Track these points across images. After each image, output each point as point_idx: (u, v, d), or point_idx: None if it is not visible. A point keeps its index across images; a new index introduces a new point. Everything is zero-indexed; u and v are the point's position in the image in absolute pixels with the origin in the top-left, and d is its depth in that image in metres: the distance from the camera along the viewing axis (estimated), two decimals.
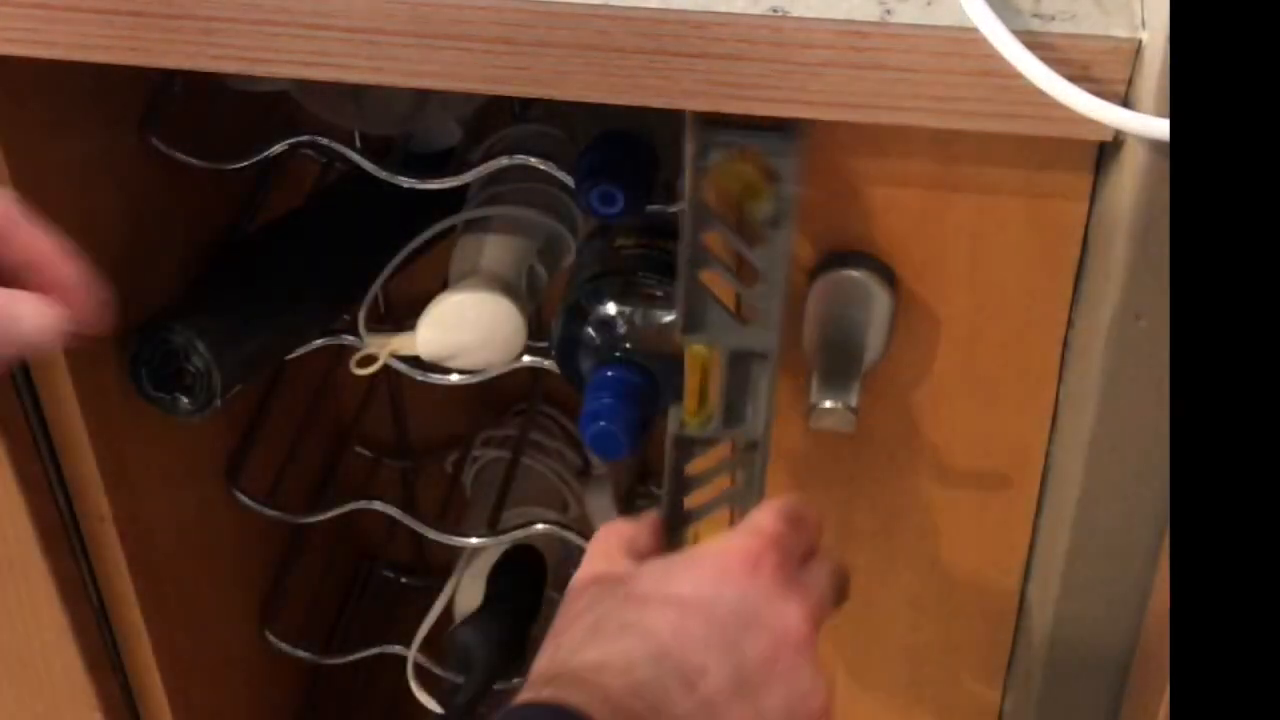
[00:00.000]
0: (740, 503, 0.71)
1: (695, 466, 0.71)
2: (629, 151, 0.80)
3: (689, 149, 0.63)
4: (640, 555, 0.63)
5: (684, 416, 0.69)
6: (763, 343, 0.66)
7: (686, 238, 0.65)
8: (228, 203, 0.98)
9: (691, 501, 0.71)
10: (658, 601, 0.58)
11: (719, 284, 0.67)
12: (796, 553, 0.61)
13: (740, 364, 0.67)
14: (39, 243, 0.61)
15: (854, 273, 0.69)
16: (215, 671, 1.06)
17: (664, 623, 0.57)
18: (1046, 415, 0.73)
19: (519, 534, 0.98)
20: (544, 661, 0.59)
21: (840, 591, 0.63)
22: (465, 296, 0.86)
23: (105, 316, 0.62)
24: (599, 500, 1.15)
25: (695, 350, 0.67)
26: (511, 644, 1.02)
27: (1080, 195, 0.66)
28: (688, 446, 0.70)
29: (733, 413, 0.68)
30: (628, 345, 0.83)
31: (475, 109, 0.96)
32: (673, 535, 0.70)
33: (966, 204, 0.67)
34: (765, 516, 0.61)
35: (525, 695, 0.55)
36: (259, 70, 0.68)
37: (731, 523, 0.68)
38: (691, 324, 0.66)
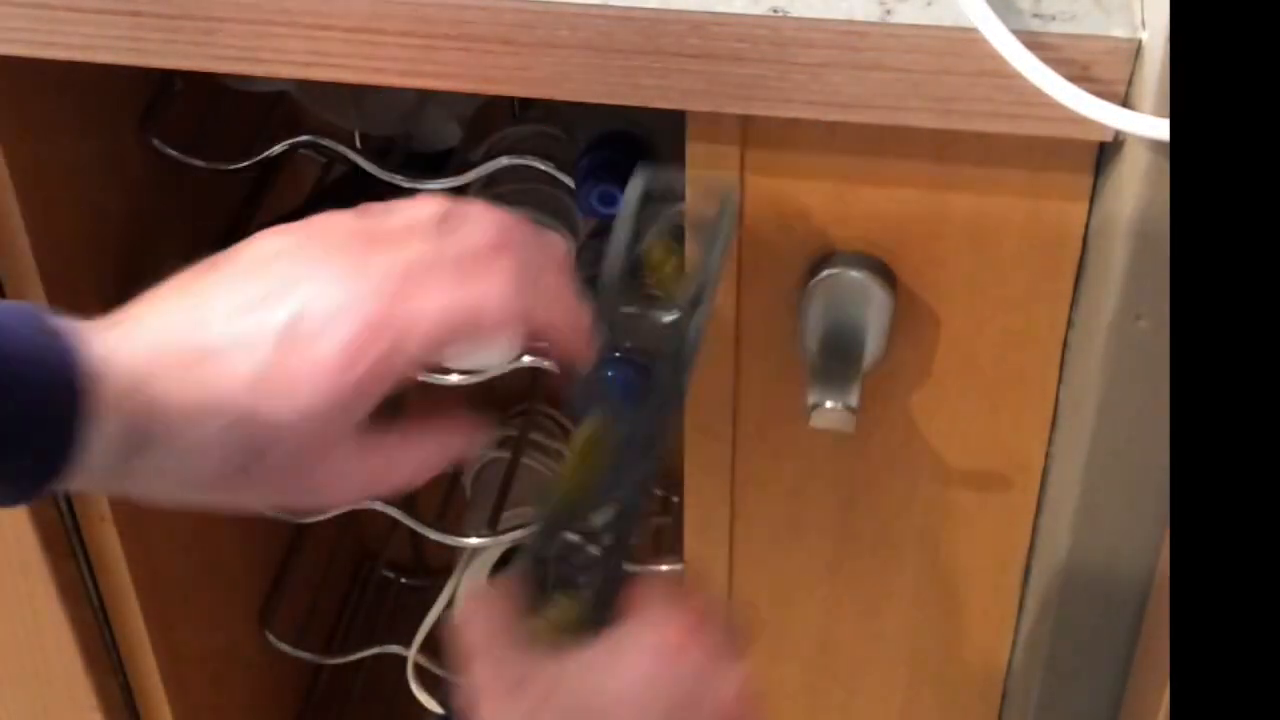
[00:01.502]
0: (605, 569, 0.62)
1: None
2: (629, 151, 0.80)
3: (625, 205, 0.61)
4: (517, 642, 0.57)
5: (561, 490, 0.61)
6: (654, 426, 0.61)
7: (603, 301, 0.61)
8: (228, 203, 0.98)
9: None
10: (597, 711, 0.54)
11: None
12: (710, 621, 0.57)
13: (626, 443, 0.61)
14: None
15: (854, 273, 0.69)
16: (215, 671, 1.06)
17: None
18: (1046, 416, 0.73)
19: (519, 534, 0.98)
20: None
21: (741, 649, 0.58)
22: None
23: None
24: None
25: (586, 431, 0.61)
26: None
27: (1080, 195, 0.66)
28: (564, 522, 0.62)
29: (615, 492, 0.60)
30: (628, 345, 0.83)
31: (475, 109, 0.96)
32: (535, 610, 0.61)
33: (966, 204, 0.67)
34: (665, 592, 0.57)
35: None
36: (259, 70, 0.68)
37: (600, 590, 0.60)
38: (585, 392, 0.61)
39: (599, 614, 0.58)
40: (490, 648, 0.56)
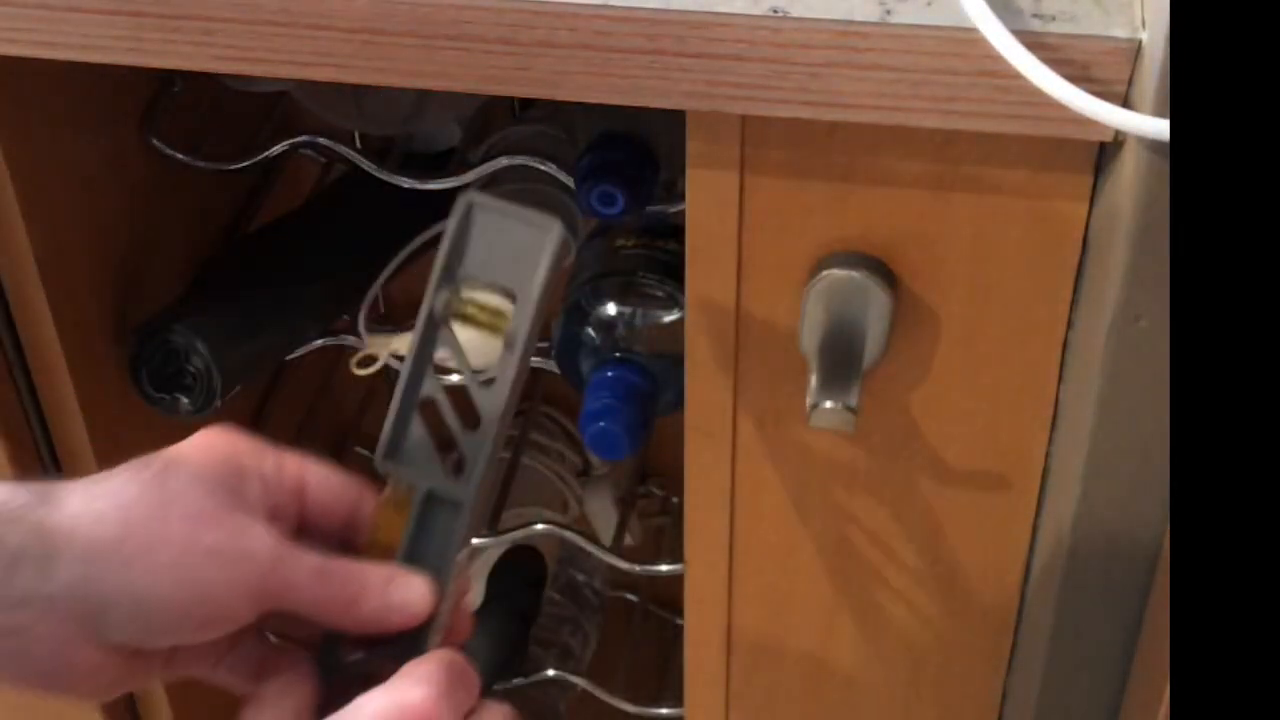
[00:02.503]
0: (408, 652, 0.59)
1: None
2: (629, 152, 0.80)
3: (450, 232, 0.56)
4: None
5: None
6: (461, 494, 0.56)
7: (412, 353, 0.57)
8: (228, 203, 0.98)
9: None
10: None
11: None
12: (465, 705, 0.55)
13: (433, 506, 0.57)
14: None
15: (854, 273, 0.69)
16: None
17: None
18: (1046, 415, 0.73)
19: (519, 534, 0.98)
20: None
21: None
22: None
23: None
24: (599, 500, 1.15)
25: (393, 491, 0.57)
26: (511, 644, 1.02)
27: (1080, 196, 0.66)
28: None
29: (415, 556, 0.57)
30: (628, 345, 0.83)
31: (475, 109, 0.96)
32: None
33: (966, 204, 0.67)
34: (427, 668, 0.54)
35: None
36: (259, 70, 0.68)
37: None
38: (391, 451, 0.57)
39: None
40: None
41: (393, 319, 1.03)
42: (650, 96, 0.64)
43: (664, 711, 1.03)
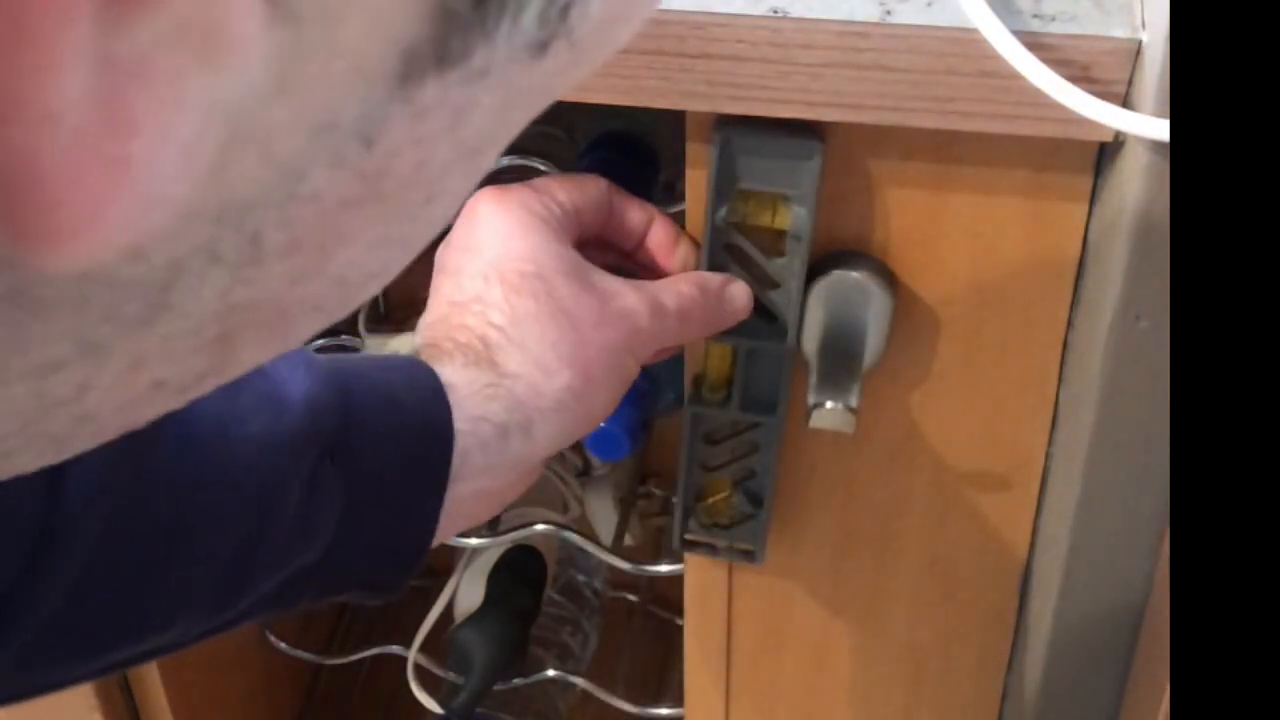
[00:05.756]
0: (752, 482, 0.76)
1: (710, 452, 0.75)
2: (629, 151, 0.80)
3: (713, 159, 0.65)
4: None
5: (705, 394, 0.73)
6: (780, 341, 0.70)
7: (708, 246, 0.68)
8: None
9: (705, 479, 0.76)
10: None
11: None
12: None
13: (757, 357, 0.71)
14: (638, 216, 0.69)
15: (854, 273, 0.69)
16: (215, 671, 1.06)
17: None
18: (1046, 415, 0.73)
19: (519, 534, 0.98)
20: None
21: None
22: None
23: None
24: (599, 500, 1.15)
25: (719, 347, 0.71)
26: (511, 644, 1.02)
27: (1080, 196, 0.66)
28: (706, 425, 0.74)
29: (749, 398, 0.72)
30: None
31: None
32: (688, 514, 0.76)
33: (966, 204, 0.67)
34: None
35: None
36: None
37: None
38: None
39: None
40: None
41: (393, 319, 1.03)
42: (650, 97, 0.64)
43: (664, 711, 1.04)
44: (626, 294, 0.63)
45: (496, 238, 0.63)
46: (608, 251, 0.69)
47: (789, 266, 0.68)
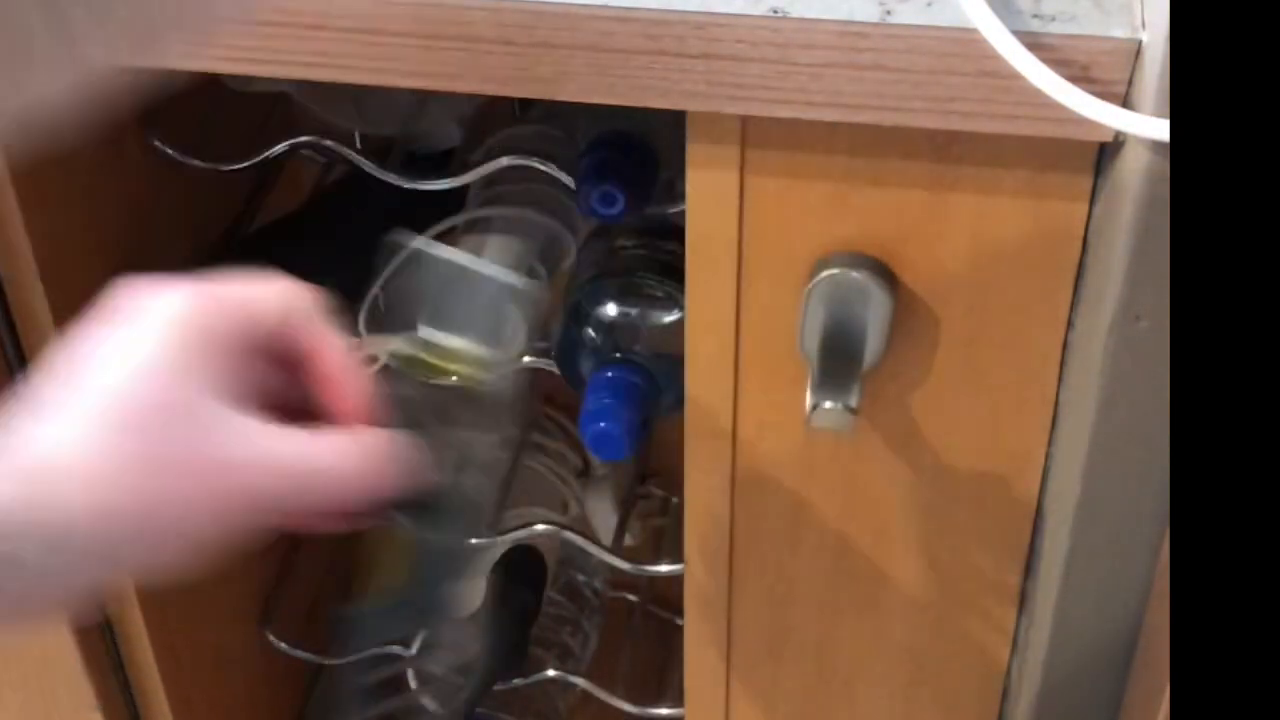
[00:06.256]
0: None
1: None
2: (629, 152, 0.80)
3: None
4: None
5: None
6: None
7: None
8: (228, 203, 0.98)
9: None
10: None
11: None
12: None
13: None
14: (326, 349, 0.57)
15: (854, 273, 0.69)
16: (215, 671, 1.06)
17: None
18: (1046, 415, 0.73)
19: (519, 534, 0.98)
20: None
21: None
22: None
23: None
24: (599, 500, 1.15)
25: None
26: (511, 644, 1.02)
27: (1080, 196, 0.66)
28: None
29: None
30: (628, 346, 0.83)
31: (475, 109, 0.96)
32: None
33: (966, 204, 0.67)
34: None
35: None
36: (259, 70, 0.68)
37: None
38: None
39: None
40: None
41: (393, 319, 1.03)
42: (650, 96, 0.64)
43: (664, 711, 1.03)
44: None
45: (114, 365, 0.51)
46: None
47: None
